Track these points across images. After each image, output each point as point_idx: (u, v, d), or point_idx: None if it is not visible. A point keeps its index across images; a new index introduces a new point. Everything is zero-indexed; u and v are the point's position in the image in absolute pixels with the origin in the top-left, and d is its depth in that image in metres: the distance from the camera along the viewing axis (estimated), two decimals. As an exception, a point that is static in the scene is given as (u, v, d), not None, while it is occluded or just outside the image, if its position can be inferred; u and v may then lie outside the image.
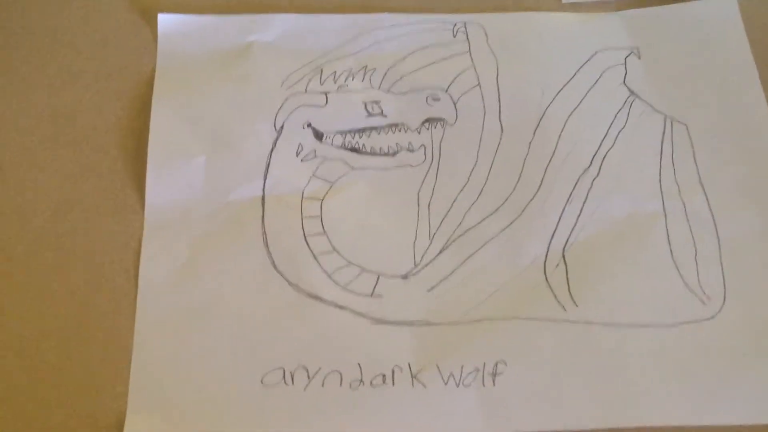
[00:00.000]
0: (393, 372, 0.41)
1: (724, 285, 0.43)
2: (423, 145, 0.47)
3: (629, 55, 0.50)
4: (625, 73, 0.50)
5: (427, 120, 0.48)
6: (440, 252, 0.44)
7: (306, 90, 0.48)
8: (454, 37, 0.51)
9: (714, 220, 0.45)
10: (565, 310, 0.42)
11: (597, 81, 0.50)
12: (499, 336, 0.42)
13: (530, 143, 0.47)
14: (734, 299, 0.43)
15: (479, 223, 0.45)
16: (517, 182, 0.46)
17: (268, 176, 0.46)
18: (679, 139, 0.48)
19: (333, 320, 0.42)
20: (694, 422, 0.40)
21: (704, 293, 0.43)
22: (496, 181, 0.46)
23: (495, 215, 0.45)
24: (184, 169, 0.45)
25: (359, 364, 0.41)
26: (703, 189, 0.46)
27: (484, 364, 0.41)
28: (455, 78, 0.49)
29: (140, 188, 0.45)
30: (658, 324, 0.42)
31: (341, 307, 0.42)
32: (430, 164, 0.47)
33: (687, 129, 0.48)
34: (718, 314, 0.42)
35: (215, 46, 0.50)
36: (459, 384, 0.40)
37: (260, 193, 0.45)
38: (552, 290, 0.43)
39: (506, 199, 0.46)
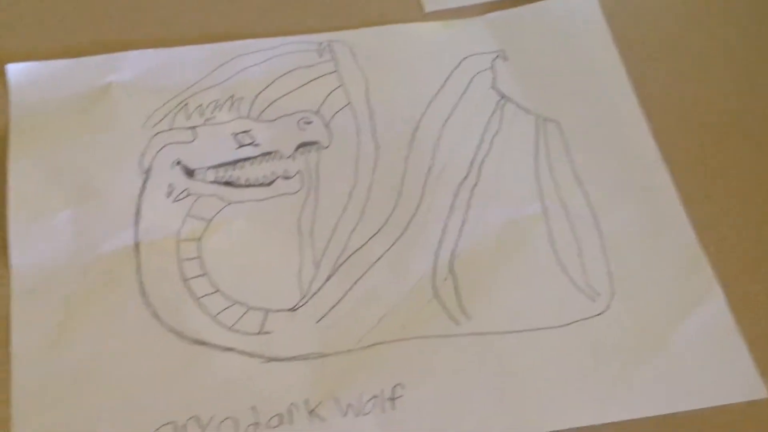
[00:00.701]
0: (290, 410, 0.39)
1: (611, 279, 0.43)
2: (299, 171, 0.46)
3: (496, 58, 0.51)
4: (494, 77, 0.50)
5: (301, 145, 0.47)
6: (327, 279, 0.43)
7: (171, 127, 0.46)
8: (320, 57, 0.50)
9: (594, 216, 0.45)
10: (457, 323, 0.42)
11: (467, 88, 0.50)
12: (394, 359, 0.41)
13: (407, 158, 0.47)
14: (622, 292, 0.43)
15: (364, 245, 0.44)
16: (398, 199, 0.45)
17: (139, 222, 0.44)
18: (552, 138, 0.48)
19: (221, 364, 0.40)
20: (598, 420, 0.40)
21: (592, 289, 0.43)
22: (376, 200, 0.45)
23: (379, 235, 0.44)
24: (50, 225, 0.43)
25: (254, 407, 0.39)
26: (581, 186, 0.46)
27: (382, 390, 0.40)
28: (325, 99, 0.48)
29: (3, 253, 0.42)
30: (551, 325, 0.42)
31: (229, 349, 0.41)
32: (309, 190, 0.46)
33: (559, 126, 0.48)
34: (608, 309, 0.43)
35: (71, 91, 0.47)
36: (359, 413, 0.39)
37: (132, 242, 0.43)
38: (443, 305, 0.42)
39: (389, 218, 0.45)
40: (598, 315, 0.42)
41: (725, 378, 0.41)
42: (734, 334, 0.42)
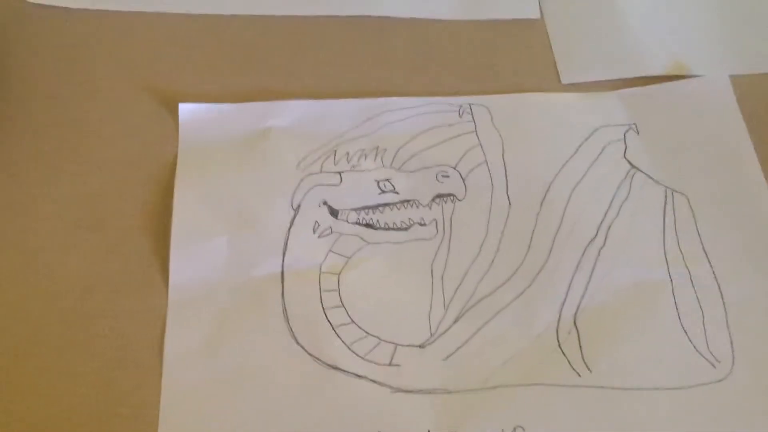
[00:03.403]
0: (413, 439, 0.42)
1: (732, 348, 0.44)
2: (434, 219, 0.49)
3: (628, 130, 0.53)
4: (625, 148, 0.52)
5: (438, 196, 0.50)
6: (455, 321, 0.45)
7: (321, 170, 0.50)
8: (460, 117, 0.53)
9: (719, 286, 0.46)
10: (579, 375, 0.43)
11: (599, 156, 0.52)
12: (516, 402, 0.43)
13: (537, 215, 0.49)
14: (743, 361, 0.44)
15: (492, 292, 0.46)
16: (527, 253, 0.48)
17: (286, 253, 0.47)
18: (680, 208, 0.50)
19: (353, 390, 0.43)
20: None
21: (713, 356, 0.44)
22: (506, 252, 0.48)
23: (507, 285, 0.47)
24: (207, 248, 0.47)
25: (379, 432, 0.42)
26: (707, 256, 0.48)
27: (502, 430, 0.42)
28: (463, 156, 0.52)
29: (164, 268, 0.47)
30: (670, 387, 0.43)
31: (360, 377, 0.43)
32: (442, 237, 0.48)
33: (687, 199, 0.50)
34: (728, 376, 0.43)
35: (234, 132, 0.52)
36: (479, 450, 0.41)
37: (279, 269, 0.47)
38: (566, 356, 0.44)
39: (517, 269, 0.47)
40: (718, 381, 0.43)
41: None
42: None
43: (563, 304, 0.46)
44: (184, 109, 0.53)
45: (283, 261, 0.47)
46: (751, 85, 0.56)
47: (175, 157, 0.51)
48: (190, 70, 0.56)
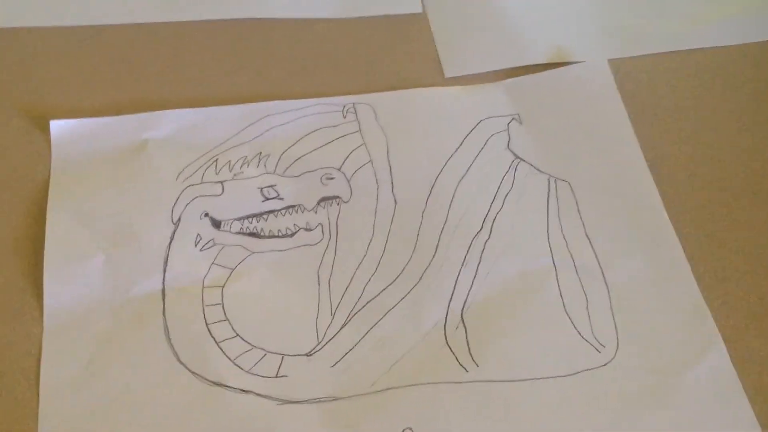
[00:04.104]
0: (302, 451, 0.41)
1: (616, 331, 0.45)
2: (320, 223, 0.48)
3: (511, 121, 0.53)
4: (509, 138, 0.52)
5: (323, 199, 0.49)
6: (342, 326, 0.45)
7: (202, 181, 0.49)
8: (344, 117, 0.53)
9: (602, 270, 0.47)
10: (466, 371, 0.43)
11: (483, 148, 0.52)
12: (404, 404, 0.42)
13: (423, 212, 0.49)
14: (627, 344, 0.44)
15: (379, 294, 0.46)
16: (413, 251, 0.47)
17: (167, 269, 0.46)
18: (563, 196, 0.50)
19: (239, 406, 0.42)
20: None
21: (598, 341, 0.44)
22: (393, 251, 0.47)
23: (394, 285, 0.46)
24: (83, 269, 0.46)
25: (267, 447, 0.41)
26: (590, 241, 0.48)
27: (392, 433, 0.41)
28: (347, 156, 0.51)
29: (39, 293, 0.45)
30: (557, 375, 0.43)
31: (246, 392, 0.42)
32: (329, 241, 0.48)
33: (570, 186, 0.50)
34: (613, 359, 0.44)
35: (109, 146, 0.51)
36: (368, 456, 0.41)
37: (160, 287, 0.45)
38: (453, 353, 0.44)
39: (404, 269, 0.47)
40: (603, 365, 0.43)
41: (726, 428, 0.41)
42: (736, 386, 0.43)
43: (450, 300, 0.46)
44: (56, 126, 0.51)
45: (163, 278, 0.46)
46: (630, 68, 0.56)
47: (47, 176, 0.49)
48: (62, 86, 0.54)
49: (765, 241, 0.48)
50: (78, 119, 0.51)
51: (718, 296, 0.46)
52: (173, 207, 0.48)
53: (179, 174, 0.49)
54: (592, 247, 0.48)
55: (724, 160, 0.52)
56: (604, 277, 0.46)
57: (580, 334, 0.44)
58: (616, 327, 0.45)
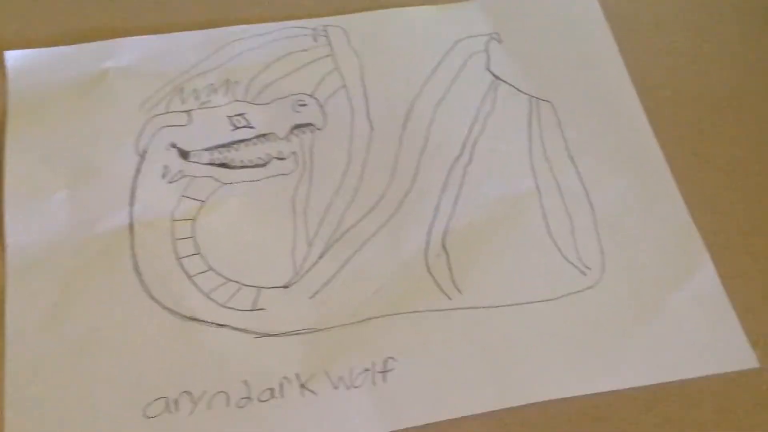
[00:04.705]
0: (281, 384, 0.40)
1: (602, 253, 0.43)
2: (293, 152, 0.46)
3: (490, 40, 0.51)
4: (488, 59, 0.50)
5: (296, 126, 0.47)
6: (320, 257, 0.43)
7: (167, 110, 0.47)
8: (315, 41, 0.50)
9: (586, 192, 0.45)
10: (449, 298, 0.42)
11: (461, 69, 0.50)
12: (386, 333, 0.41)
13: (401, 137, 0.47)
14: (613, 267, 0.43)
15: (357, 223, 0.44)
16: (392, 178, 0.46)
17: (134, 203, 0.44)
18: (545, 117, 0.48)
19: (214, 340, 0.41)
20: (588, 390, 0.40)
21: (583, 264, 0.43)
22: (370, 179, 0.46)
23: (372, 213, 0.45)
24: (45, 205, 0.44)
25: (245, 381, 0.40)
26: (574, 163, 0.46)
27: (373, 363, 0.40)
28: (320, 82, 0.49)
29: (0, 233, 0.43)
30: (542, 299, 0.42)
31: (221, 326, 0.41)
32: (303, 170, 0.46)
33: (553, 107, 0.48)
34: (599, 283, 0.43)
35: (69, 77, 0.48)
36: (350, 386, 0.40)
37: (127, 221, 0.43)
38: (435, 280, 0.43)
39: (382, 196, 0.45)
40: (589, 288, 0.42)
41: (716, 348, 0.41)
42: (725, 304, 0.42)
43: (431, 227, 0.44)
44: (11, 56, 0.48)
45: (131, 212, 0.44)
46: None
47: (4, 109, 0.47)
48: (17, 14, 0.51)
49: (749, 155, 0.47)
50: (35, 49, 0.49)
51: (705, 214, 0.45)
52: (138, 138, 0.46)
53: (143, 104, 0.47)
54: (576, 168, 0.46)
55: (710, 73, 0.50)
56: (588, 199, 0.45)
57: (564, 257, 0.43)
58: (601, 249, 0.44)
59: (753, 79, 0.50)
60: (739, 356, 0.41)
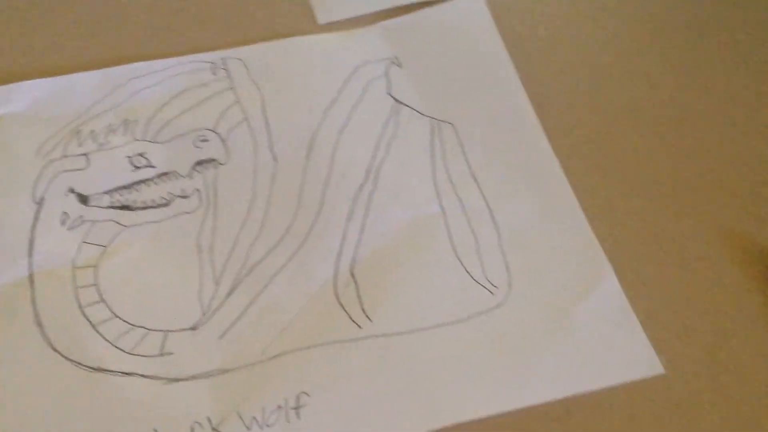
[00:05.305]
0: (192, 429, 0.39)
1: (508, 271, 0.44)
2: (197, 189, 0.46)
3: (390, 65, 0.51)
4: (389, 83, 0.50)
5: (198, 163, 0.47)
6: (228, 295, 0.43)
7: (64, 155, 0.46)
8: (215, 75, 0.50)
9: (490, 210, 0.46)
10: (360, 327, 0.42)
11: (363, 95, 0.50)
12: (297, 368, 0.41)
13: (305, 168, 0.47)
14: (519, 283, 0.44)
15: (265, 257, 0.44)
16: (297, 209, 0.45)
17: (33, 253, 0.43)
18: (447, 139, 0.49)
19: (122, 389, 0.40)
20: (502, 408, 0.40)
21: (490, 283, 0.43)
22: (276, 212, 0.45)
23: (279, 246, 0.44)
24: (-61, 262, 0.42)
25: (155, 430, 0.39)
26: (476, 182, 0.47)
27: (286, 399, 0.40)
28: (221, 116, 0.48)
29: None
30: (452, 321, 0.42)
31: (129, 374, 0.40)
32: (207, 207, 0.45)
33: (454, 128, 0.49)
34: (507, 300, 0.43)
35: (-40, 126, 0.46)
36: (263, 426, 0.39)
37: (27, 273, 0.42)
38: (345, 310, 0.42)
39: (289, 229, 0.45)
40: (497, 306, 0.43)
41: (623, 357, 0.42)
42: (629, 314, 0.43)
43: (339, 256, 0.44)
44: None
45: (30, 263, 0.43)
46: (507, 3, 0.55)
47: None
48: None
49: (649, 171, 0.48)
50: None
51: (606, 226, 0.46)
52: (35, 186, 0.45)
53: (39, 149, 0.46)
54: (479, 188, 0.47)
55: (605, 87, 0.51)
56: (493, 218, 0.46)
57: (472, 277, 0.44)
58: (507, 267, 0.44)
59: (649, 91, 0.51)
60: (646, 363, 0.41)
